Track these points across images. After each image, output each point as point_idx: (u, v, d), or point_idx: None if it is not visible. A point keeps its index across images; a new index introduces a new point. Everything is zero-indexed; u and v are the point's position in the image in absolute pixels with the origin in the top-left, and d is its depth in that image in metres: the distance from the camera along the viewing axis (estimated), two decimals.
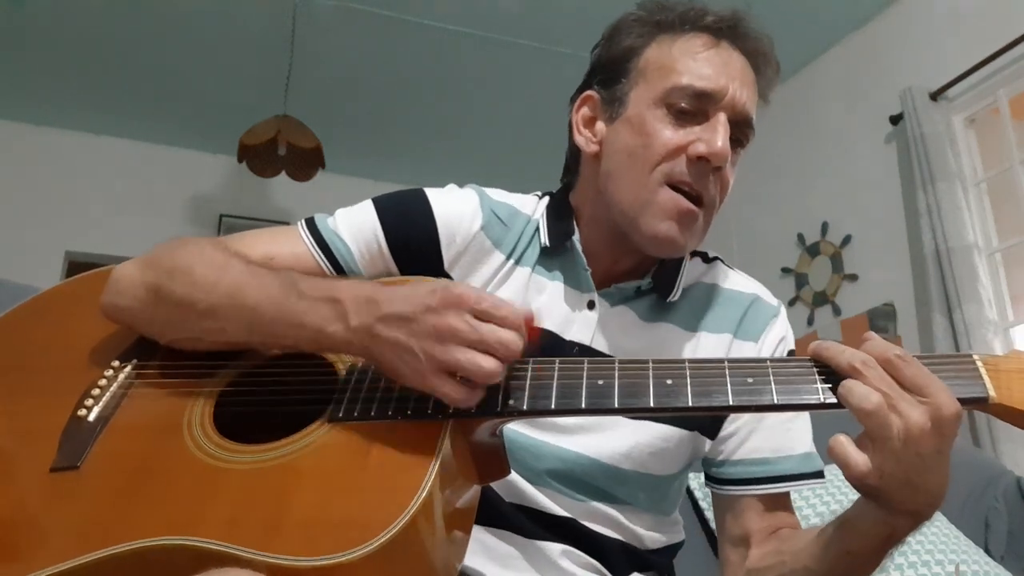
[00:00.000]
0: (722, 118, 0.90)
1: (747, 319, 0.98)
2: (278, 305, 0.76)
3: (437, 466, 0.67)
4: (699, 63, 0.91)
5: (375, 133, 4.50)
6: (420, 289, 0.72)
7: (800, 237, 3.76)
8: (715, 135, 0.89)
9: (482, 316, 0.69)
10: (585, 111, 0.99)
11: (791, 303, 3.73)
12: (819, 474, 0.95)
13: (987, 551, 1.70)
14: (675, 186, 0.90)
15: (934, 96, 3.15)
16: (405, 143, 4.60)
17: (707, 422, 0.95)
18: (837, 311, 3.52)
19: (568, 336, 0.93)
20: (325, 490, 0.68)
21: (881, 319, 3.32)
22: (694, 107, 0.90)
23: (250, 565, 0.62)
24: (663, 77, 0.92)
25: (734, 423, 0.96)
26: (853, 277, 3.49)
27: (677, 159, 0.90)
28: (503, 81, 4.08)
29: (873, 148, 3.47)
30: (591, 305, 0.95)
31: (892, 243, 3.32)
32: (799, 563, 0.83)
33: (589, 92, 0.99)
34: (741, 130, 0.93)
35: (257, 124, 3.58)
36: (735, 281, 1.02)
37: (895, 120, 3.32)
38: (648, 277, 0.97)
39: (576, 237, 0.96)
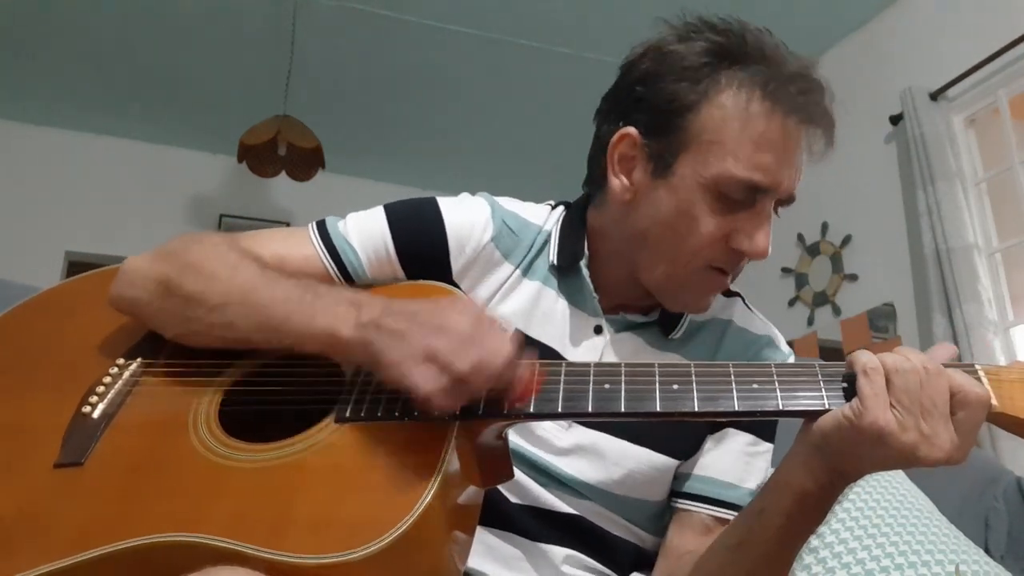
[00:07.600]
0: (768, 210, 0.87)
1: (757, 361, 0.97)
2: (292, 304, 0.77)
3: (443, 468, 0.67)
4: (761, 151, 0.84)
5: (375, 133, 4.50)
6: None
7: (800, 237, 3.76)
8: (758, 231, 0.86)
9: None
10: (623, 149, 0.91)
11: (791, 303, 3.73)
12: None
13: (987, 551, 1.70)
14: (713, 267, 0.89)
15: (934, 96, 3.15)
16: (405, 143, 4.59)
17: (691, 447, 0.94)
18: (837, 311, 3.52)
19: (571, 359, 0.91)
20: (331, 489, 0.68)
21: (881, 319, 3.32)
22: (744, 197, 0.86)
23: (254, 562, 0.62)
24: (718, 158, 0.85)
25: (705, 443, 0.95)
26: (853, 277, 3.49)
27: (717, 246, 0.88)
28: (503, 81, 4.08)
29: (873, 148, 3.47)
30: (598, 330, 0.94)
31: (892, 243, 3.32)
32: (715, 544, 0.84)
33: (628, 130, 0.90)
34: (783, 204, 0.90)
35: (257, 124, 3.58)
36: (751, 321, 1.01)
37: (895, 120, 3.32)
38: (655, 314, 0.97)
39: (584, 262, 0.94)
